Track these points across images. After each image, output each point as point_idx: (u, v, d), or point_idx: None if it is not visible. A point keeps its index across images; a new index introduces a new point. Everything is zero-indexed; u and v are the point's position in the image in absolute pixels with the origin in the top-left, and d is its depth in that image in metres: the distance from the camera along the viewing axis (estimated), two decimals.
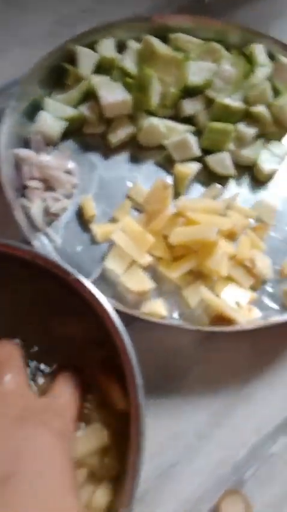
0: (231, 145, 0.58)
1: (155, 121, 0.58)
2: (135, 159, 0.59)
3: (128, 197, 0.55)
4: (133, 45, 0.63)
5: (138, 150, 0.59)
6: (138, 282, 0.48)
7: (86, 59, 0.61)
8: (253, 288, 0.50)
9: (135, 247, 0.49)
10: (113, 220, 0.53)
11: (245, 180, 0.58)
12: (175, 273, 0.48)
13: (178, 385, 0.45)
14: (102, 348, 0.35)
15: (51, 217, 0.53)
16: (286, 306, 0.50)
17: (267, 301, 0.50)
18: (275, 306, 0.50)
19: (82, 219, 0.53)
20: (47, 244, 0.51)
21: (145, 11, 0.70)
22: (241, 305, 0.47)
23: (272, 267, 0.52)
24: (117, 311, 0.41)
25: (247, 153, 0.58)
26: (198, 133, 0.60)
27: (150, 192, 0.52)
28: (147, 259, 0.49)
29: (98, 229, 0.52)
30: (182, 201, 0.51)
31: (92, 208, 0.53)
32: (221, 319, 0.46)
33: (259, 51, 0.63)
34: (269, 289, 0.51)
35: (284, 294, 0.51)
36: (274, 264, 0.52)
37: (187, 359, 0.46)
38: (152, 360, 0.46)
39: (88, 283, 0.35)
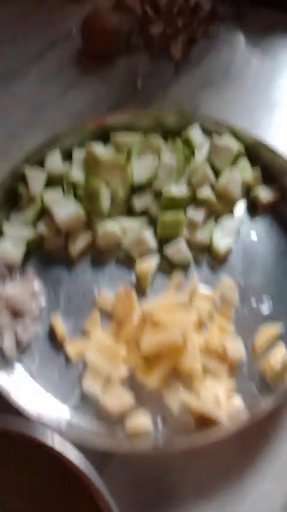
0: (185, 231, 0.61)
1: (109, 226, 0.61)
2: (97, 263, 0.61)
3: (96, 306, 0.57)
4: (78, 154, 0.66)
5: (98, 253, 0.62)
6: (117, 400, 0.49)
7: (36, 178, 0.64)
8: (230, 373, 0.51)
9: (108, 362, 0.51)
10: (85, 333, 0.55)
11: (205, 260, 0.60)
12: (152, 381, 0.50)
13: (172, 500, 0.45)
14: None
15: (23, 347, 0.54)
16: (265, 385, 0.50)
17: (245, 383, 0.51)
18: (253, 388, 0.51)
19: (54, 339, 0.55)
20: (23, 374, 0.53)
21: (82, 110, 0.73)
22: (219, 400, 0.48)
23: (243, 347, 0.53)
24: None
25: (200, 236, 0.60)
26: (152, 222, 0.62)
27: (115, 301, 0.55)
28: (122, 372, 0.51)
29: (71, 348, 0.54)
30: (147, 304, 0.53)
31: (62, 330, 0.55)
32: (205, 419, 0.47)
33: (194, 133, 0.66)
34: (245, 370, 0.52)
35: (263, 371, 0.51)
36: (245, 342, 0.53)
37: (178, 472, 0.47)
38: (143, 481, 0.46)
39: (56, 442, 0.36)
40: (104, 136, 0.67)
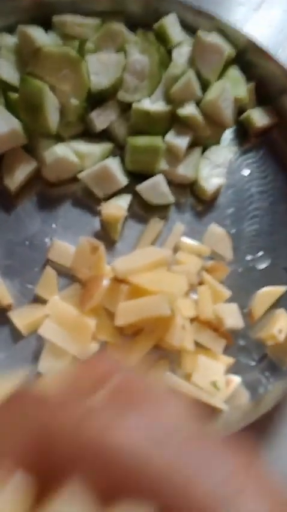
0: (163, 163, 0.47)
1: (60, 150, 0.45)
2: (47, 203, 0.46)
3: (50, 262, 0.43)
4: (8, 41, 0.47)
5: (48, 188, 0.46)
6: None
7: None
8: (227, 347, 0.42)
9: (73, 339, 0.38)
10: (38, 299, 0.42)
11: (189, 202, 0.48)
12: (129, 361, 0.38)
13: None
14: None
15: None
16: (268, 362, 0.42)
17: (242, 358, 0.42)
18: (251, 363, 0.42)
19: None
20: None
21: None
22: (218, 386, 0.38)
23: (240, 313, 0.43)
24: None
25: (183, 170, 0.47)
26: (119, 149, 0.47)
27: (76, 256, 0.41)
28: (92, 350, 0.39)
29: (20, 320, 0.40)
30: (120, 262, 0.40)
31: (5, 293, 0.41)
32: (201, 408, 0.38)
33: (170, 23, 0.49)
34: (241, 342, 0.43)
35: (263, 343, 0.43)
36: (240, 307, 0.43)
37: None
38: None
39: None
40: (44, 22, 0.48)
